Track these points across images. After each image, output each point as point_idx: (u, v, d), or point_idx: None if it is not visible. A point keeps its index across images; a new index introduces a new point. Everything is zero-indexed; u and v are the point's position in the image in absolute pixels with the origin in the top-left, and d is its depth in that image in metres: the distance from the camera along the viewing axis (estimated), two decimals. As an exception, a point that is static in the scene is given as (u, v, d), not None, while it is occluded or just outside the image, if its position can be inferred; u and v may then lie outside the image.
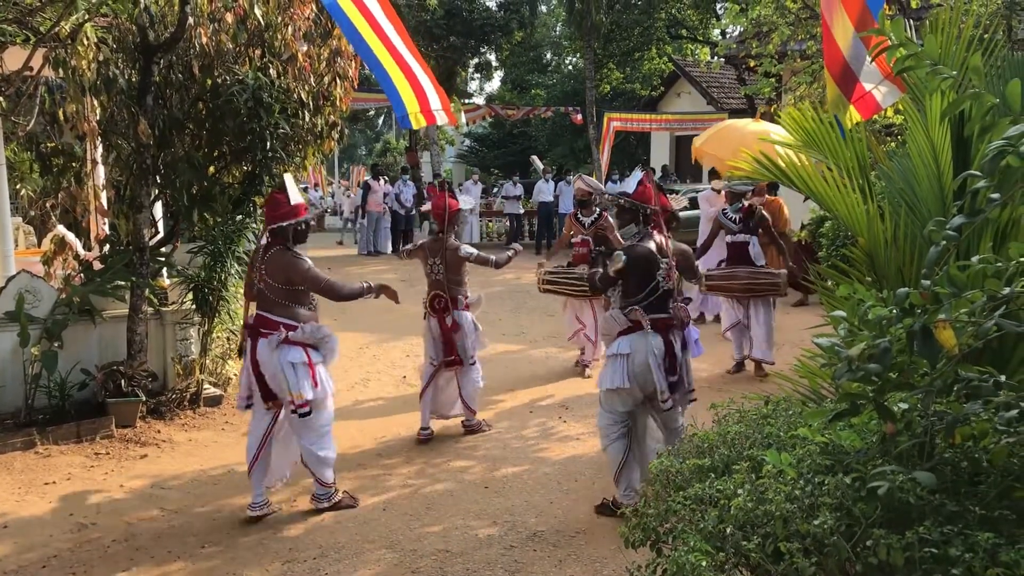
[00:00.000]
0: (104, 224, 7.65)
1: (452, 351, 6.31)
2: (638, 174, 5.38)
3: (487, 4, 26.86)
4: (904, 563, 1.83)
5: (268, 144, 6.82)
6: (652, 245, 4.83)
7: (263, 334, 4.78)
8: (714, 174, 10.52)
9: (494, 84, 39.87)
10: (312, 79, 7.11)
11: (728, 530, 2.13)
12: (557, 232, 17.31)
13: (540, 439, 6.40)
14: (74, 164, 7.41)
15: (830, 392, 3.33)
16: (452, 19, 24.07)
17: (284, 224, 4.82)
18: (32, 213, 10.16)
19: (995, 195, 2.02)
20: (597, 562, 4.33)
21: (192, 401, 6.93)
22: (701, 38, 28.62)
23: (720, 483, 2.34)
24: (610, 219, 7.67)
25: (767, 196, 9.55)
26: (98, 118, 6.70)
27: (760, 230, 7.94)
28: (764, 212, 8.07)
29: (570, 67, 34.42)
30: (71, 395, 6.49)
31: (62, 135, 7.64)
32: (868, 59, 4.05)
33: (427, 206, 7.14)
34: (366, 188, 18.97)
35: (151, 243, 6.97)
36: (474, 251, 6.42)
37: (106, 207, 7.30)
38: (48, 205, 8.11)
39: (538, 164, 20.13)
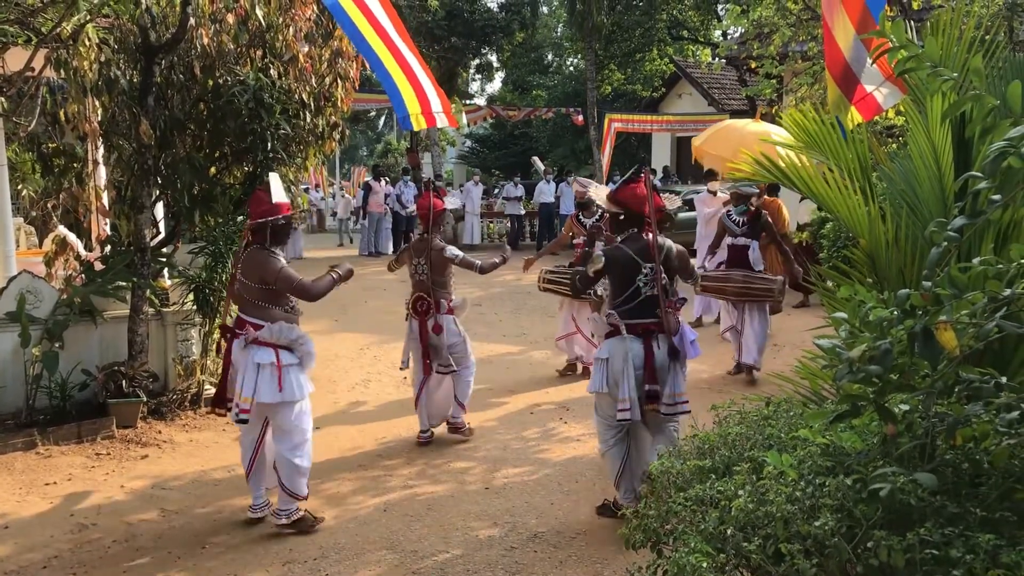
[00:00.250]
0: (105, 225, 7.66)
1: (427, 355, 6.15)
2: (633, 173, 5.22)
3: (488, 5, 26.86)
4: (905, 565, 1.83)
5: (269, 145, 6.82)
6: (635, 248, 4.67)
7: (236, 334, 4.73)
8: (710, 175, 10.51)
9: (495, 85, 39.94)
10: (313, 80, 7.12)
11: (729, 531, 2.13)
12: (558, 233, 17.32)
13: (541, 440, 6.40)
14: (75, 165, 7.43)
15: (831, 393, 3.33)
16: (453, 20, 24.06)
17: (261, 221, 4.72)
18: (33, 213, 10.17)
19: (996, 196, 2.02)
20: (598, 563, 4.33)
21: (193, 402, 6.93)
22: (702, 39, 28.62)
23: (721, 484, 2.34)
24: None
25: (766, 197, 9.55)
26: (99, 119, 6.71)
27: (763, 233, 7.92)
28: (768, 218, 8.03)
29: (571, 68, 34.44)
30: (72, 396, 6.49)
31: (63, 136, 7.66)
32: (869, 60, 4.05)
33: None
34: (367, 189, 18.99)
35: (152, 244, 6.97)
36: (460, 253, 6.28)
37: (107, 208, 7.30)
38: (49, 206, 8.12)
39: (539, 165, 20.14)
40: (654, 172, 22.81)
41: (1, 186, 7.98)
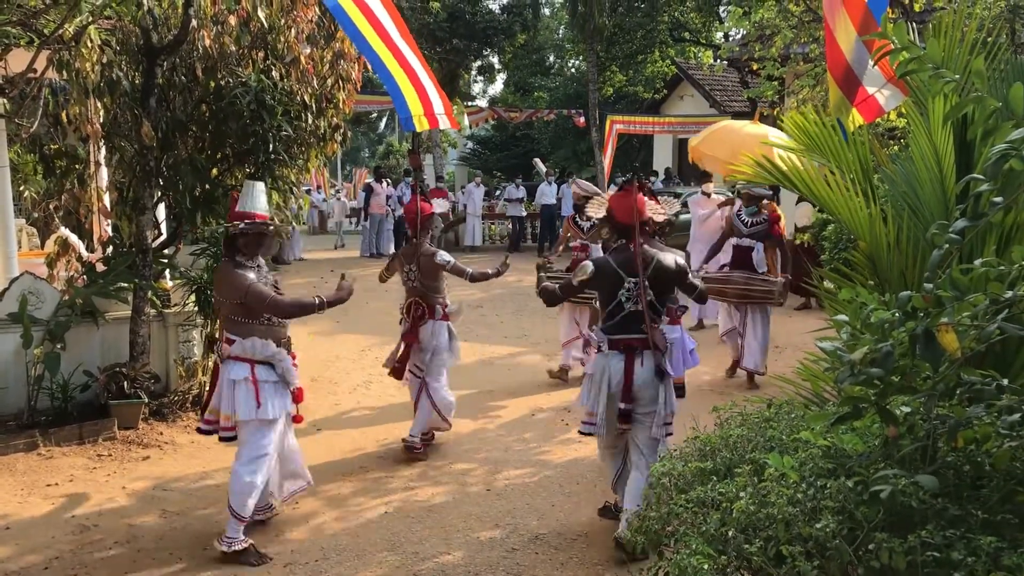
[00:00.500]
0: (107, 226, 7.67)
1: (404, 359, 6.01)
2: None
3: (490, 7, 26.88)
4: (906, 567, 1.83)
5: (271, 146, 6.83)
6: (619, 260, 4.43)
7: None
8: (705, 177, 10.49)
9: (497, 87, 39.99)
10: (315, 81, 7.12)
11: (730, 533, 2.13)
12: (560, 234, 17.32)
13: (542, 442, 6.40)
14: (77, 166, 7.43)
15: (832, 395, 3.33)
16: (455, 22, 24.09)
17: (226, 227, 4.52)
18: (35, 215, 10.19)
19: (998, 199, 2.01)
20: (599, 565, 4.33)
21: (194, 403, 6.93)
22: (704, 41, 28.63)
23: (722, 486, 2.34)
24: None
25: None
26: (101, 120, 6.71)
27: (770, 236, 7.81)
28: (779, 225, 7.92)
29: (573, 70, 34.42)
30: (73, 397, 6.50)
31: (66, 137, 7.66)
32: (871, 62, 4.05)
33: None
34: (369, 190, 19.01)
35: (154, 245, 6.98)
36: (451, 259, 6.06)
37: (109, 209, 7.31)
38: (51, 207, 8.12)
39: (541, 167, 20.14)
40: (655, 174, 22.84)
41: (3, 187, 8.00)
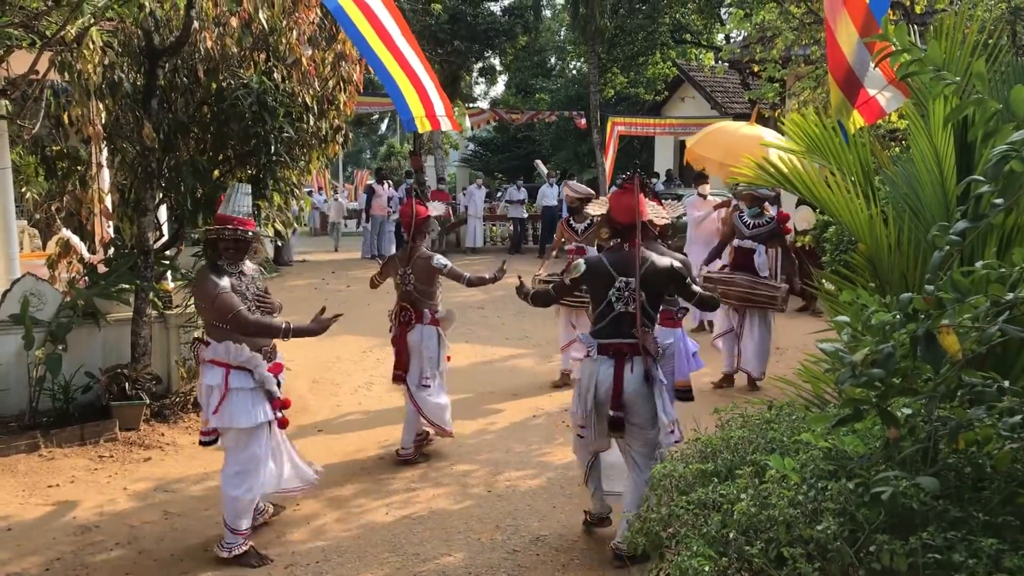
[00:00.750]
0: (109, 227, 7.67)
1: (401, 365, 5.93)
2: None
3: (491, 9, 26.89)
4: (907, 569, 1.83)
5: (272, 148, 6.83)
6: (612, 260, 4.31)
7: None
8: (701, 179, 10.47)
9: (498, 88, 40.00)
10: (316, 83, 7.13)
11: (731, 535, 2.13)
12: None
13: (543, 443, 6.39)
14: (79, 167, 7.43)
15: (833, 397, 3.33)
16: (456, 23, 24.10)
17: (207, 235, 4.41)
18: (37, 216, 10.19)
19: (999, 200, 2.02)
20: (601, 566, 4.33)
21: (196, 404, 6.92)
22: (705, 43, 28.64)
23: (723, 488, 2.34)
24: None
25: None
26: (103, 122, 6.72)
27: (772, 239, 7.72)
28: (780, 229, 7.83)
29: (574, 71, 34.43)
30: (75, 398, 6.50)
31: (67, 138, 7.66)
32: (872, 64, 4.05)
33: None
34: (370, 192, 19.03)
35: (155, 246, 6.98)
36: (447, 263, 5.94)
37: (111, 210, 7.32)
38: (53, 208, 8.13)
39: (542, 168, 20.15)
40: (656, 176, 22.84)
41: (5, 189, 8.01)
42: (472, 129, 24.69)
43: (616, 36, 25.14)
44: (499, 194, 25.89)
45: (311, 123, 7.05)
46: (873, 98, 4.15)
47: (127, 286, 6.75)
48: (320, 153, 7.48)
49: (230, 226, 4.34)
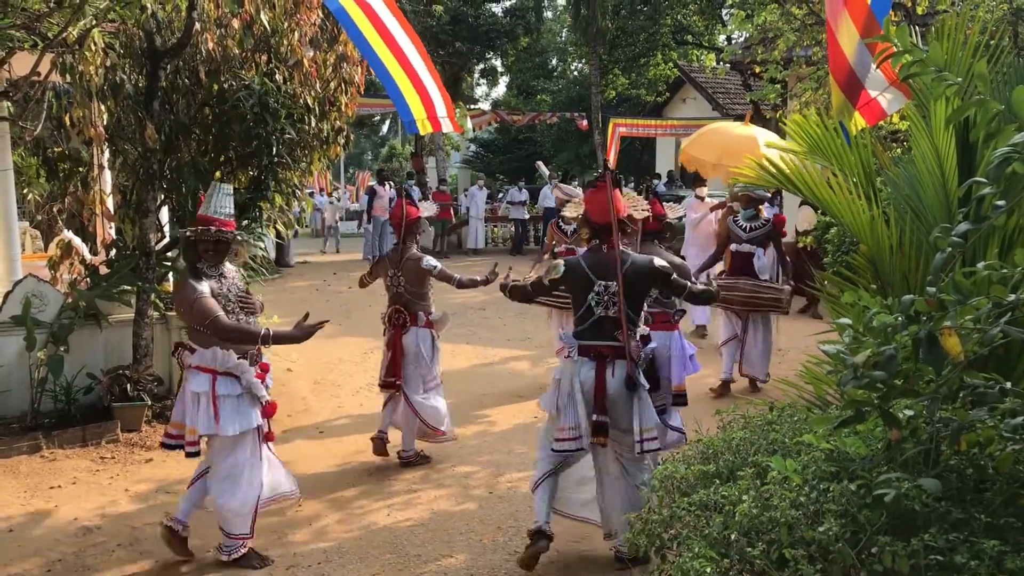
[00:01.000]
0: (110, 229, 7.68)
1: (396, 372, 5.75)
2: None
3: (493, 10, 26.93)
4: (909, 570, 1.83)
5: (274, 149, 6.84)
6: (590, 262, 4.16)
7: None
8: (698, 181, 10.45)
9: (500, 90, 39.98)
10: (318, 84, 7.13)
11: (733, 536, 2.13)
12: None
13: (544, 445, 6.38)
14: (81, 169, 7.44)
15: (835, 399, 3.33)
16: (458, 25, 24.14)
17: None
18: (39, 217, 10.22)
19: (1000, 202, 2.01)
20: (601, 568, 4.32)
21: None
22: (707, 44, 28.65)
23: (725, 489, 2.34)
24: None
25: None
26: (105, 123, 6.72)
27: (769, 240, 7.68)
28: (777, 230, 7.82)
29: (576, 73, 34.45)
30: (77, 399, 6.51)
31: (69, 140, 7.68)
32: (873, 65, 4.05)
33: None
34: (371, 193, 19.05)
35: (157, 248, 6.99)
36: (438, 264, 5.81)
37: (112, 212, 7.32)
38: (55, 210, 8.14)
39: (544, 170, 20.09)
40: (658, 177, 22.83)
41: (7, 190, 8.02)
42: (473, 130, 24.73)
43: (617, 37, 25.19)
44: (500, 195, 25.89)
45: (313, 124, 7.06)
46: (875, 99, 4.14)
47: (129, 287, 6.76)
48: (322, 154, 7.49)
49: (212, 227, 4.25)
